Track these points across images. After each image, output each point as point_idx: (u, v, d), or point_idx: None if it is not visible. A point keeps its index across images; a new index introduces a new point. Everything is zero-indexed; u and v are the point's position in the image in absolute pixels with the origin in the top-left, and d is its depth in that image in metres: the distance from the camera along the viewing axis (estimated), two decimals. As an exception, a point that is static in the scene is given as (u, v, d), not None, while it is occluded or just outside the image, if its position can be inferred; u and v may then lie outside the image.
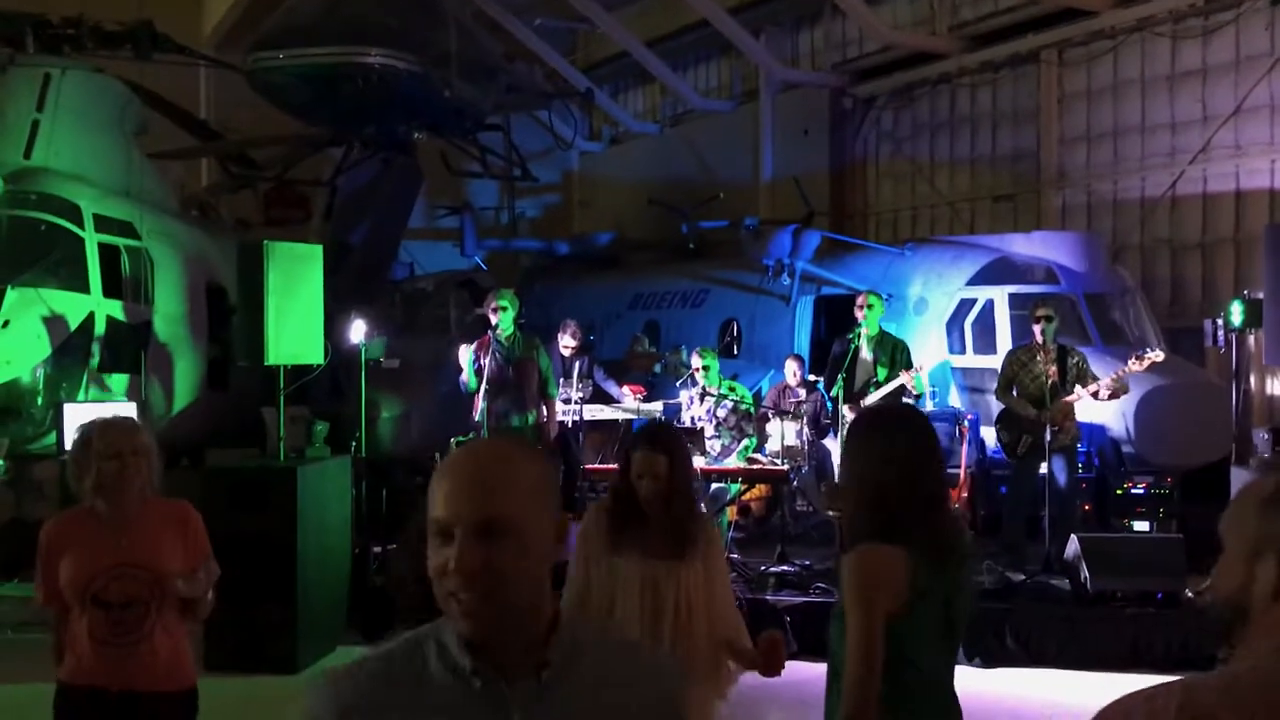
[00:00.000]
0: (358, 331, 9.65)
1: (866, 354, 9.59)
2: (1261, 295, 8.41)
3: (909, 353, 9.72)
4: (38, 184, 10.13)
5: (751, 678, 3.91)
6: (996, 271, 11.42)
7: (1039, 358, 8.98)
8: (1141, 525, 9.47)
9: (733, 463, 9.56)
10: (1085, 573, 7.87)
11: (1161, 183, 13.84)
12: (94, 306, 9.84)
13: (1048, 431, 8.72)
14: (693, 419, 9.87)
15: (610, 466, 8.92)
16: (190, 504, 4.19)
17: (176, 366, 10.82)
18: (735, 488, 9.61)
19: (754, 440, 9.84)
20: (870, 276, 12.33)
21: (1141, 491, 9.62)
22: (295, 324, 8.17)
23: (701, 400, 9.88)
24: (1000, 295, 11.14)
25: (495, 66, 15.85)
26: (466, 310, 15.37)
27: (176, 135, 15.28)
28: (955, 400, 11.17)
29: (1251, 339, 9.37)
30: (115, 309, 10.05)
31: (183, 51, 13.43)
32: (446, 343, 12.24)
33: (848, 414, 9.25)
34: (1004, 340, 10.78)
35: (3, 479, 9.05)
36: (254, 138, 16.46)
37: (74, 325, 9.61)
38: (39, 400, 9.22)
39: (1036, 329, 9.06)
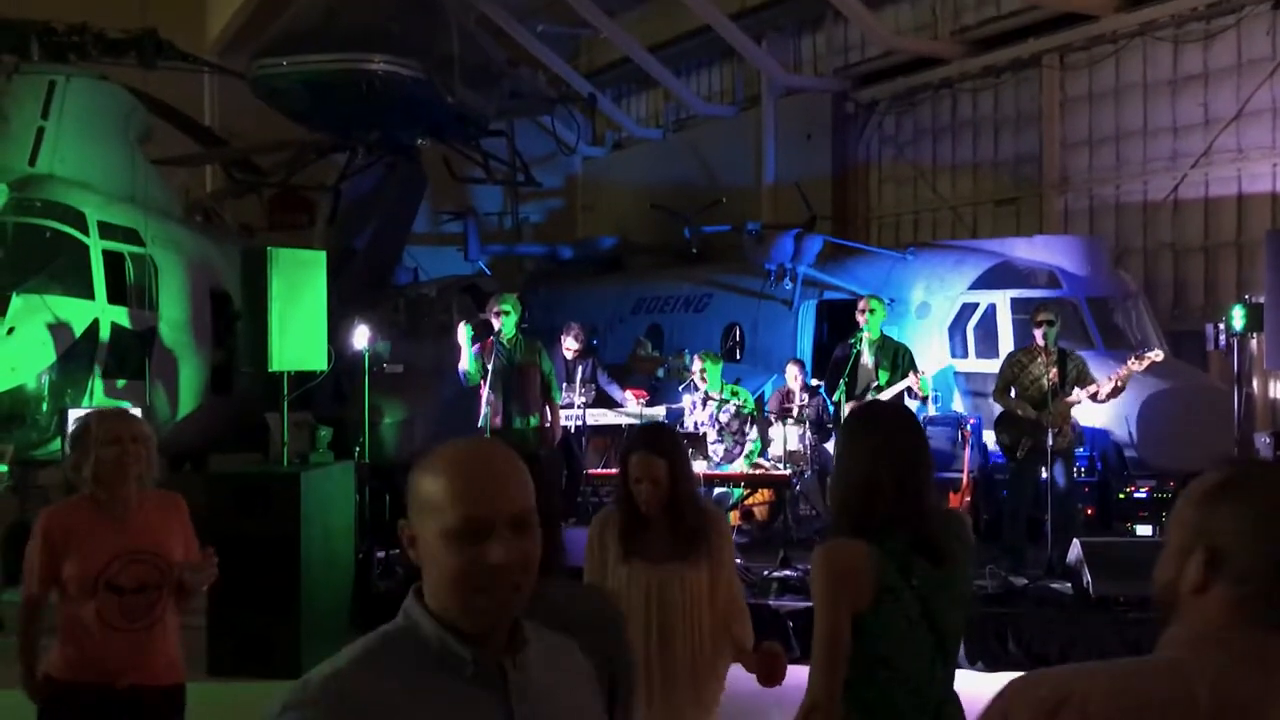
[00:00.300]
0: (361, 337, 9.68)
1: (868, 358, 9.61)
2: (1263, 299, 8.43)
3: (911, 357, 9.73)
4: (43, 191, 10.17)
5: (754, 682, 3.90)
6: (999, 276, 11.43)
7: (1039, 360, 9.00)
8: (1144, 529, 9.46)
9: (739, 466, 9.57)
10: (1088, 577, 7.87)
11: (1164, 186, 13.86)
12: (98, 313, 9.87)
13: (1049, 434, 8.73)
14: (695, 424, 9.88)
15: (612, 471, 8.94)
16: (179, 494, 4.23)
17: (181, 372, 10.85)
18: (738, 493, 9.62)
19: (758, 444, 9.85)
20: (872, 281, 12.34)
21: (1144, 495, 9.62)
22: (299, 330, 8.21)
23: (704, 405, 9.89)
24: (1003, 299, 11.15)
25: (498, 72, 15.89)
26: (470, 315, 15.37)
27: (181, 141, 15.35)
28: (958, 405, 11.18)
29: (1253, 343, 9.38)
30: (120, 315, 10.09)
31: (187, 59, 13.49)
32: (449, 348, 12.27)
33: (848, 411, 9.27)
34: (1006, 344, 10.79)
35: (7, 485, 9.07)
36: (258, 144, 16.51)
37: (79, 332, 9.65)
38: (44, 406, 9.25)
39: (1038, 333, 9.08)
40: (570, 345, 10.66)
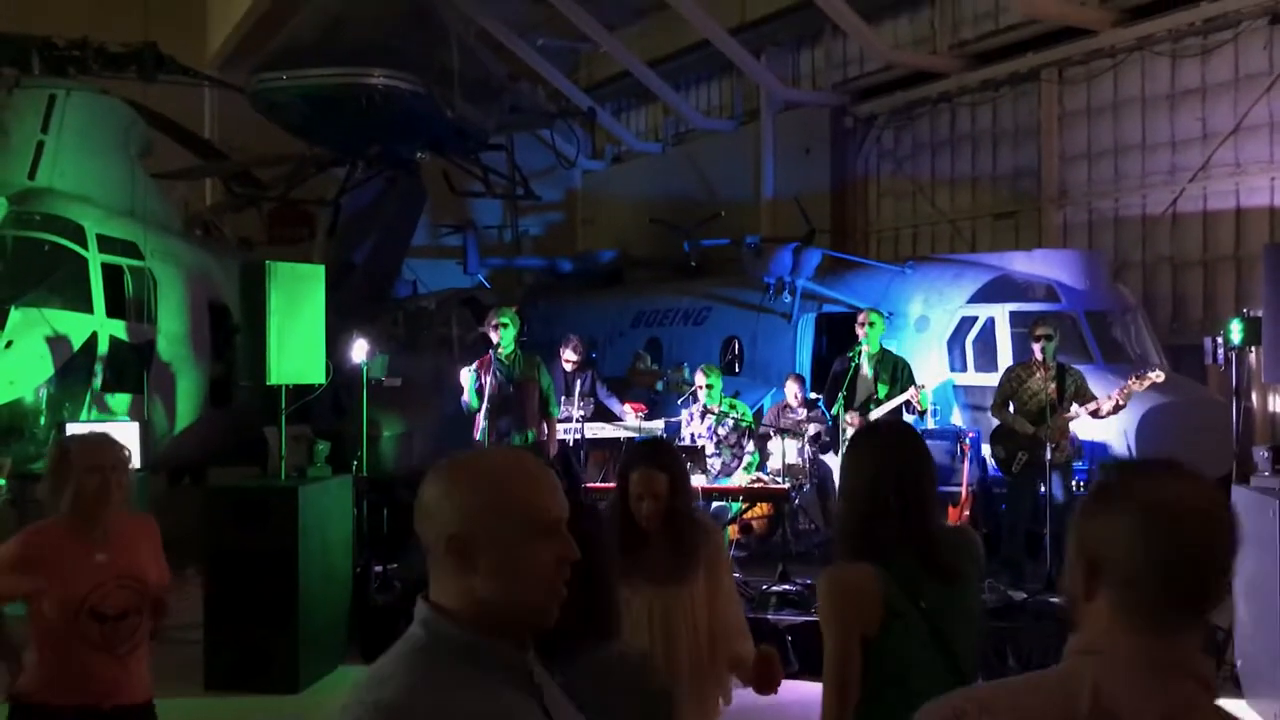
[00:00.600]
0: (360, 350, 9.68)
1: (867, 371, 9.61)
2: (1261, 313, 8.42)
3: (910, 370, 9.74)
4: (42, 204, 10.18)
5: (754, 694, 3.88)
6: (997, 289, 11.43)
7: (1038, 374, 9.00)
8: (1143, 543, 9.41)
9: (737, 480, 9.55)
10: (1087, 591, 7.84)
11: (1162, 200, 13.87)
12: (97, 326, 9.87)
13: (1047, 449, 8.73)
14: (693, 436, 9.87)
15: (611, 485, 8.93)
16: (151, 516, 4.25)
17: (179, 386, 10.85)
18: (736, 506, 9.61)
19: (756, 458, 9.84)
20: (871, 294, 12.34)
21: (1143, 509, 9.57)
22: (297, 344, 8.21)
23: (702, 418, 9.88)
24: (1001, 313, 11.15)
25: (498, 86, 15.93)
26: (469, 328, 15.40)
27: (181, 155, 15.37)
28: (957, 418, 11.17)
29: (1252, 356, 9.38)
30: (118, 329, 10.09)
31: (187, 73, 13.52)
32: (449, 361, 12.28)
33: (848, 419, 9.27)
34: (1005, 358, 10.78)
35: (6, 498, 9.06)
36: (258, 157, 16.53)
37: (77, 345, 9.65)
38: (42, 420, 9.25)
39: (1036, 347, 9.08)
40: (569, 357, 10.66)
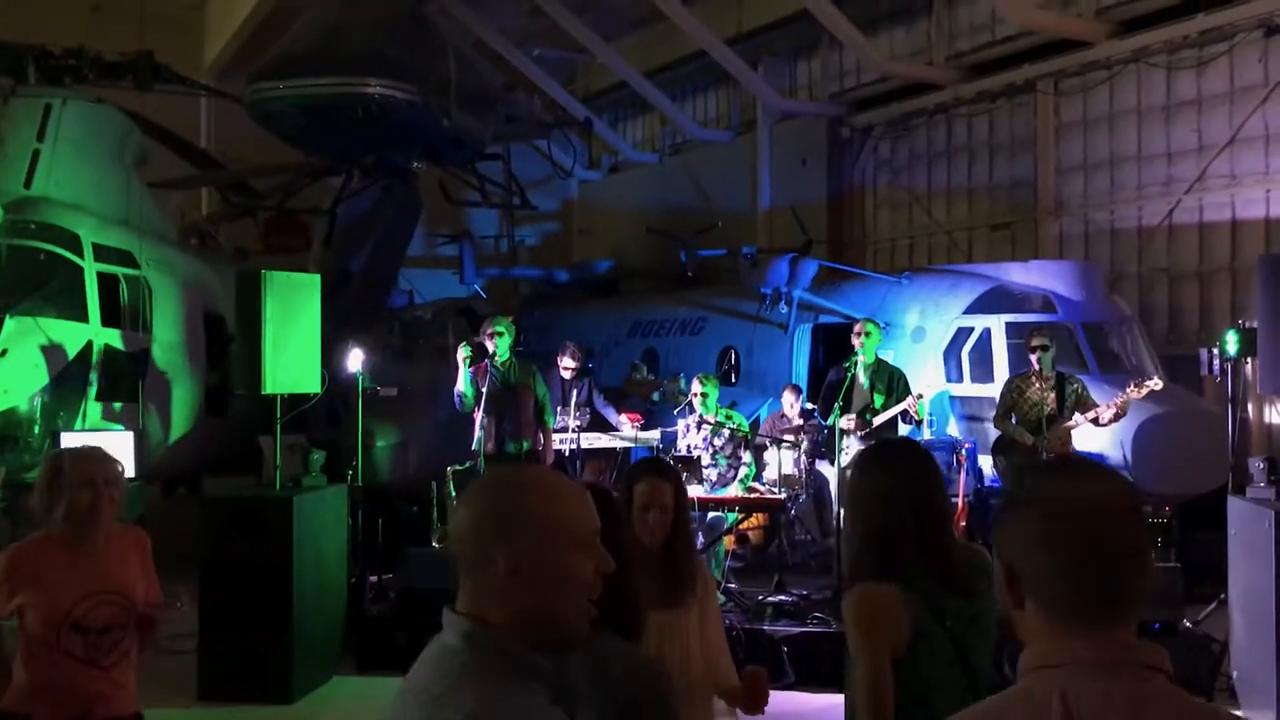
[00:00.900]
0: (355, 360, 9.66)
1: (863, 382, 9.60)
2: (1256, 324, 8.42)
3: (906, 381, 9.73)
4: (37, 213, 10.16)
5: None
6: (994, 300, 11.43)
7: (1036, 385, 9.00)
8: (1139, 554, 9.41)
9: (734, 490, 9.54)
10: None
11: (1158, 212, 13.90)
12: (92, 335, 9.85)
13: (1044, 459, 8.72)
14: (689, 447, 9.86)
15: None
16: (142, 528, 4.23)
17: (174, 395, 10.83)
18: (732, 517, 9.59)
19: (752, 468, 9.83)
20: (867, 305, 12.34)
21: (1139, 520, 9.57)
22: (293, 353, 8.19)
23: (698, 428, 9.87)
24: (997, 324, 11.15)
25: (495, 96, 15.93)
26: (465, 338, 15.36)
27: (177, 164, 15.36)
28: (953, 429, 11.16)
29: (1247, 367, 9.38)
30: (113, 338, 10.07)
31: (183, 82, 13.52)
32: (445, 370, 12.25)
33: (845, 425, 9.26)
34: (1001, 369, 10.78)
35: (0, 507, 9.03)
36: (254, 167, 16.52)
37: (72, 354, 9.62)
38: (36, 429, 9.22)
39: (1033, 358, 9.09)
40: (567, 364, 10.64)
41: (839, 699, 3.30)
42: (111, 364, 9.97)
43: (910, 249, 17.66)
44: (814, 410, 10.73)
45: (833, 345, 12.78)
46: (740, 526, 10.14)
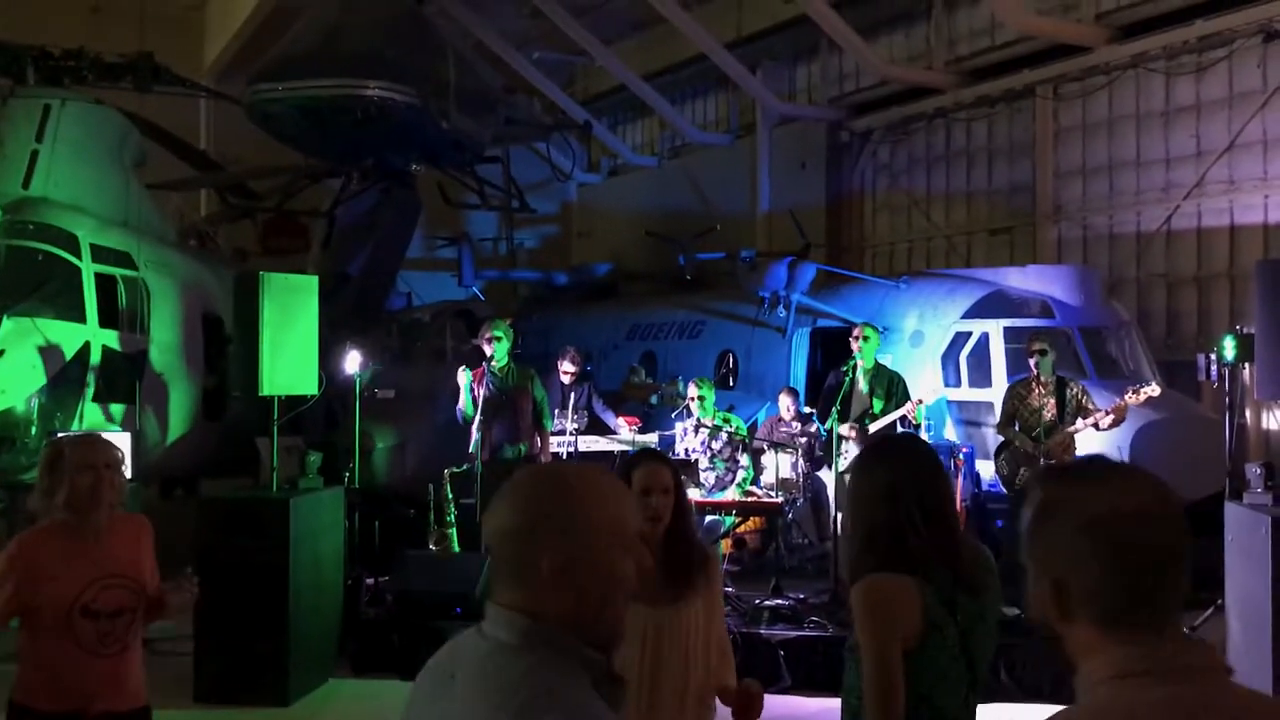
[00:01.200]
0: (353, 362, 9.66)
1: (862, 386, 9.59)
2: (1254, 330, 8.43)
3: (905, 385, 9.71)
4: (36, 214, 10.16)
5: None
6: (992, 305, 11.43)
7: (1035, 391, 9.00)
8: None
9: (731, 494, 9.54)
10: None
11: (1157, 217, 13.90)
12: (90, 336, 9.85)
13: (1044, 464, 8.71)
14: (687, 450, 9.85)
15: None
16: (145, 517, 4.24)
17: (171, 396, 10.82)
18: (730, 520, 9.58)
19: (750, 472, 9.82)
20: (866, 309, 12.34)
21: (1137, 526, 9.56)
22: (290, 355, 8.18)
23: (696, 432, 9.87)
24: (996, 329, 11.15)
25: (494, 99, 15.94)
26: (463, 341, 15.37)
27: (176, 166, 15.35)
28: (950, 433, 11.16)
29: (1245, 373, 9.38)
30: (111, 339, 10.06)
31: (183, 83, 13.51)
32: (443, 373, 12.25)
33: (844, 432, 9.26)
34: (999, 374, 10.79)
35: (-3, 508, 9.03)
36: (253, 168, 16.52)
37: (69, 355, 9.61)
38: (33, 430, 9.21)
39: (1031, 363, 9.09)
40: (567, 368, 10.63)
41: (835, 703, 3.27)
42: (109, 365, 9.97)
43: (909, 253, 17.66)
44: (812, 414, 10.73)
45: (831, 349, 12.77)
46: (737, 530, 10.13)
